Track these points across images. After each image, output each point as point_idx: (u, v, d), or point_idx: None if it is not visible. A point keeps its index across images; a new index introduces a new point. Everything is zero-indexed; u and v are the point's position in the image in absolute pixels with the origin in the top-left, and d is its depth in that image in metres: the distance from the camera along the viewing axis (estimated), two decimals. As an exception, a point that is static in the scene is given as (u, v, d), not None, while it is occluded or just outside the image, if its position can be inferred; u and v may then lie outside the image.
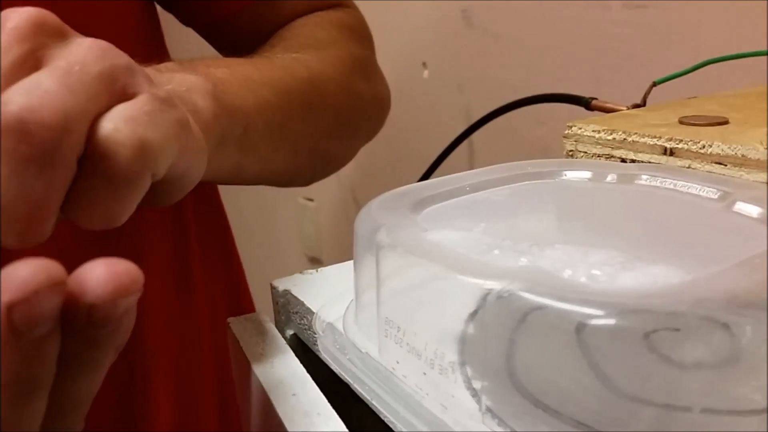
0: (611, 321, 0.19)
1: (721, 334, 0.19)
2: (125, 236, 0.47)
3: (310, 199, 1.29)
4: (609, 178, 0.29)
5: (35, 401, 0.20)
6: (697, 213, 0.27)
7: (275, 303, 0.33)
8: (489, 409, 0.21)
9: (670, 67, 0.43)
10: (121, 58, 0.25)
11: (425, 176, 0.59)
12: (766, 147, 0.28)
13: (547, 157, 0.36)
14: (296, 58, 0.46)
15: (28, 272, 0.18)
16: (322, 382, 0.30)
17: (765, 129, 0.30)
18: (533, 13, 0.75)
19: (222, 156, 0.35)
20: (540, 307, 0.19)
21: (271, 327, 0.31)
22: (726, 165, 0.29)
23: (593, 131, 0.33)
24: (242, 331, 0.30)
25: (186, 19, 0.52)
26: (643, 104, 0.42)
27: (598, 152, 0.33)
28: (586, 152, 0.33)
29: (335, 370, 0.27)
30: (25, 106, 0.21)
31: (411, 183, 0.31)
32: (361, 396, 0.25)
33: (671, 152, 0.30)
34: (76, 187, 0.23)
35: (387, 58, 0.62)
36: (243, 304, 0.62)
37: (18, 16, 0.23)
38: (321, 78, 0.46)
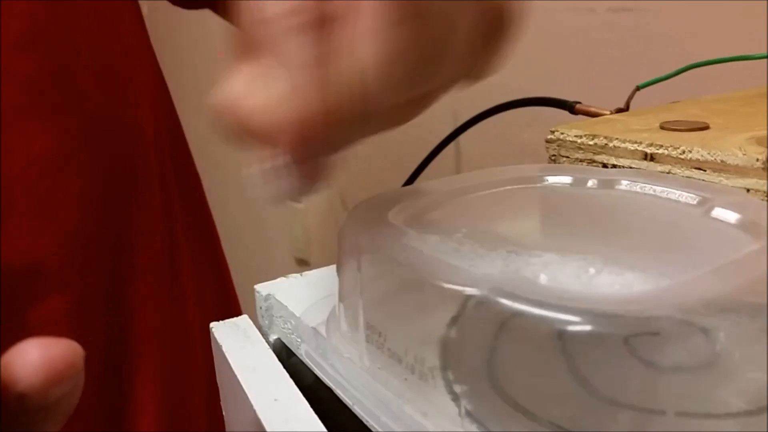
0: (590, 327, 0.19)
1: (700, 338, 0.19)
2: (116, 239, 0.47)
3: (298, 201, 1.29)
4: (590, 184, 0.29)
5: None
6: (676, 218, 0.27)
7: (259, 307, 0.33)
8: (468, 413, 0.21)
9: (655, 71, 0.44)
10: None
11: (411, 179, 0.59)
12: (744, 153, 0.28)
13: (535, 159, 0.36)
14: None
15: None
16: (308, 387, 0.30)
17: (745, 134, 0.31)
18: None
19: None
20: (519, 313, 0.20)
21: (254, 331, 0.31)
22: (706, 170, 0.29)
23: (575, 136, 0.33)
24: (225, 336, 0.30)
25: None
26: (626, 108, 0.43)
27: (580, 157, 0.33)
28: (568, 157, 0.34)
29: (318, 375, 0.28)
30: None
31: (399, 185, 0.31)
32: (343, 401, 0.26)
33: (652, 158, 0.31)
34: None
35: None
36: (231, 307, 0.62)
37: None
38: None
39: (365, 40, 0.20)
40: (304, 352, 0.29)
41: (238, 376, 0.28)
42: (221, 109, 0.21)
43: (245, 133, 0.21)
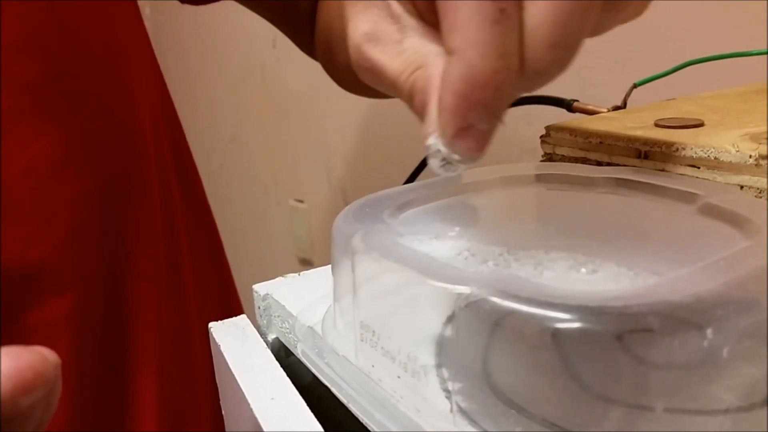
0: (581, 324, 0.19)
1: (690, 334, 0.19)
2: (115, 241, 0.47)
3: (301, 201, 1.29)
4: (583, 182, 0.29)
5: None
6: (668, 216, 0.27)
7: (257, 307, 0.34)
8: (461, 409, 0.21)
9: (652, 69, 0.44)
10: None
11: (411, 178, 0.59)
12: (738, 149, 0.28)
13: (534, 157, 0.36)
14: None
15: None
16: (306, 385, 0.30)
17: (739, 131, 0.31)
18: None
19: None
20: (511, 312, 0.20)
21: (253, 331, 0.31)
22: (699, 168, 0.29)
23: (570, 134, 0.33)
24: (223, 335, 0.31)
25: None
26: (623, 106, 0.43)
27: (574, 155, 0.33)
28: (563, 155, 0.34)
29: (315, 374, 0.28)
30: None
31: (401, 184, 0.31)
32: (339, 399, 0.26)
33: (646, 155, 0.31)
34: None
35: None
36: (233, 307, 0.63)
37: None
38: None
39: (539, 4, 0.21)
40: (301, 351, 0.29)
41: (236, 376, 0.28)
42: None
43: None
